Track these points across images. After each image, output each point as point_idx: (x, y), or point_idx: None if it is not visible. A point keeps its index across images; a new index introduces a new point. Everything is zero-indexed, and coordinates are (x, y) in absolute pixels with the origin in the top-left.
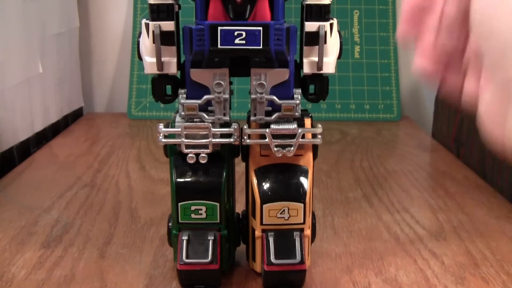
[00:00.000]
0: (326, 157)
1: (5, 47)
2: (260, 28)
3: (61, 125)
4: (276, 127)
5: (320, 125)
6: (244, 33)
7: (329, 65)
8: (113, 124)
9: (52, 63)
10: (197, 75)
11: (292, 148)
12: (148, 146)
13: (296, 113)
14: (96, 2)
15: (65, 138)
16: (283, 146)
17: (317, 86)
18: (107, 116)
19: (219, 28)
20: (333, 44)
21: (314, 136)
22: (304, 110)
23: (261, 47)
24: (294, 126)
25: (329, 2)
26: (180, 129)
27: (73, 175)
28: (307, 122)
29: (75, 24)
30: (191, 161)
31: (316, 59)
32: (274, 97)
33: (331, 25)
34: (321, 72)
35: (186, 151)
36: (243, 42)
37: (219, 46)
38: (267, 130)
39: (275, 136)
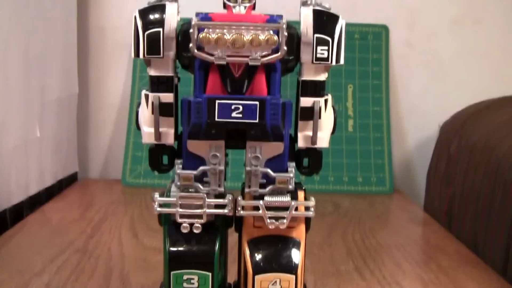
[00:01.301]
0: (319, 229)
1: (4, 109)
2: (257, 102)
3: (55, 190)
4: (270, 199)
5: (313, 198)
6: (241, 107)
7: (323, 140)
8: (107, 190)
9: (50, 127)
10: (194, 146)
11: (285, 221)
12: (141, 214)
13: (290, 186)
14: (96, 69)
15: (59, 203)
16: (276, 218)
17: (310, 160)
18: (101, 182)
19: (217, 101)
20: (327, 119)
21: (307, 208)
22: (298, 183)
23: (257, 121)
24: (287, 198)
25: (324, 79)
26: (175, 199)
27: (65, 240)
28: (300, 194)
29: (74, 90)
30: (185, 231)
31: (310, 133)
32: (269, 170)
33: (326, 100)
34: (315, 146)
35: (180, 220)
36: (240, 115)
37: (216, 119)
38: (261, 202)
39: (268, 208)
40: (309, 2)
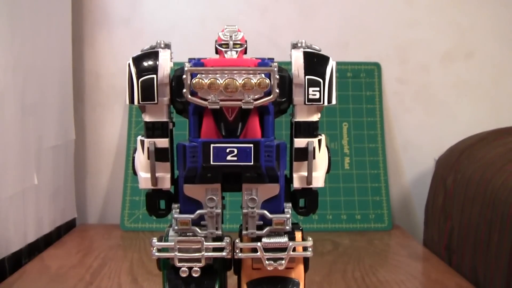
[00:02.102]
0: (318, 268)
1: (2, 158)
2: (251, 145)
3: (53, 236)
4: (268, 240)
5: (310, 238)
6: (235, 150)
7: (318, 180)
8: (105, 236)
9: (47, 174)
10: (190, 190)
11: (284, 261)
12: (140, 258)
13: (287, 227)
14: (92, 115)
15: (58, 250)
16: (275, 259)
17: (306, 200)
18: (100, 228)
19: (212, 145)
20: (321, 159)
21: (305, 249)
22: (295, 224)
23: (252, 163)
24: (285, 239)
25: (317, 119)
26: (173, 243)
27: (64, 287)
28: (298, 235)
29: (71, 137)
30: (184, 275)
31: (305, 174)
32: (265, 212)
33: (319, 141)
34: (311, 186)
35: (179, 264)
36: (235, 158)
37: (211, 163)
38: (259, 244)
39: (266, 250)
40: (299, 45)
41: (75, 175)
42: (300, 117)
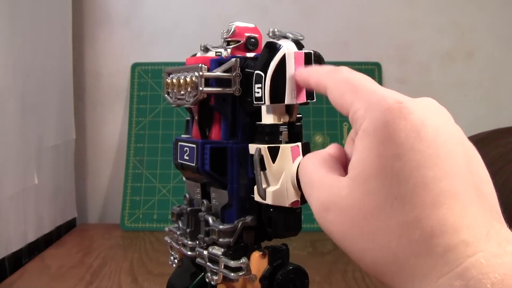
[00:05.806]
0: (319, 268)
1: (2, 158)
2: (194, 145)
3: (53, 236)
4: (210, 250)
5: (243, 260)
6: (188, 150)
7: (269, 196)
8: (106, 236)
9: (47, 174)
10: (187, 185)
11: (216, 277)
12: (141, 258)
13: (225, 239)
14: (93, 115)
15: (58, 249)
16: (212, 272)
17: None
18: (100, 227)
19: (179, 143)
20: (278, 171)
21: (238, 270)
22: (283, 244)
23: (194, 164)
24: (219, 252)
25: (273, 122)
26: (167, 230)
27: (64, 287)
28: (253, 255)
29: (71, 136)
30: (170, 262)
31: (263, 185)
32: (209, 218)
33: (273, 148)
34: (265, 202)
35: (170, 251)
36: (188, 158)
37: (178, 160)
38: (205, 252)
39: (210, 260)
40: (270, 35)
41: (75, 174)
42: (262, 119)
